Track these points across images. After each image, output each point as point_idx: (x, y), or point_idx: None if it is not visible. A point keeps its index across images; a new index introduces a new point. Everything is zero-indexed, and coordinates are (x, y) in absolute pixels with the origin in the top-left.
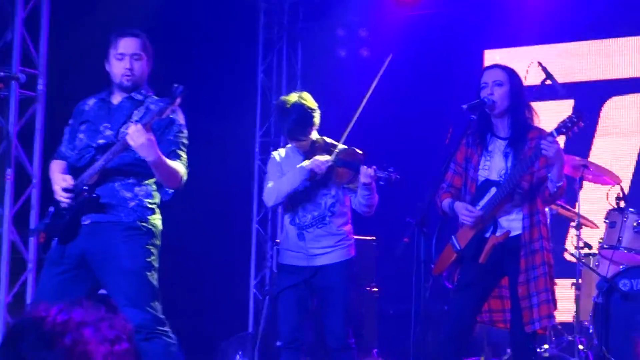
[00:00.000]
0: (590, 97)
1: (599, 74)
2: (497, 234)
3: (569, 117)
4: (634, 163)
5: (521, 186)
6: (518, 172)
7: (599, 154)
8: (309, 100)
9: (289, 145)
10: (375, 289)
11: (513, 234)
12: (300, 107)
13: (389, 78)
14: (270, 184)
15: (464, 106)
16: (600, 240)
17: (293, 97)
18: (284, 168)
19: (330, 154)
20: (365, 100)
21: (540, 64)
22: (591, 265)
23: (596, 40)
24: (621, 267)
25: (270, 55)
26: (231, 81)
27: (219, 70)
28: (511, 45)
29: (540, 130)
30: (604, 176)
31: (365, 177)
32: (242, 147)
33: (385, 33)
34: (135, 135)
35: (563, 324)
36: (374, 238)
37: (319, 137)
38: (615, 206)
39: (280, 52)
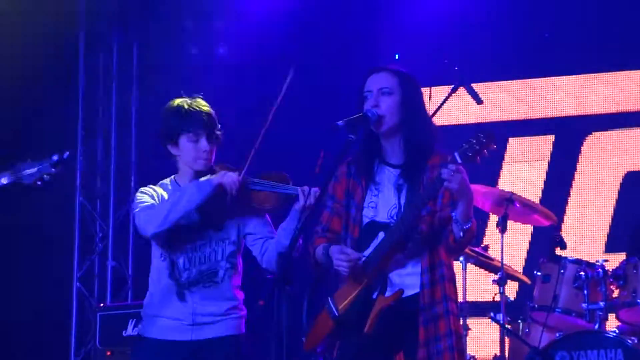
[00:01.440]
0: None
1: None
2: (387, 294)
3: (476, 137)
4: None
5: (419, 230)
6: (413, 211)
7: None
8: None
9: (166, 180)
10: None
11: (407, 293)
12: (203, 105)
13: (246, 82)
14: (146, 203)
15: (340, 122)
16: (531, 300)
17: (185, 99)
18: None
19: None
20: (268, 122)
21: (450, 64)
22: (519, 333)
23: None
24: (557, 334)
25: (95, 52)
26: (41, 88)
27: (28, 78)
28: None
29: (445, 156)
30: (534, 214)
31: (310, 198)
32: (58, 176)
33: (247, 23)
34: None
35: None
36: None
37: (217, 164)
38: (550, 254)
39: (109, 48)
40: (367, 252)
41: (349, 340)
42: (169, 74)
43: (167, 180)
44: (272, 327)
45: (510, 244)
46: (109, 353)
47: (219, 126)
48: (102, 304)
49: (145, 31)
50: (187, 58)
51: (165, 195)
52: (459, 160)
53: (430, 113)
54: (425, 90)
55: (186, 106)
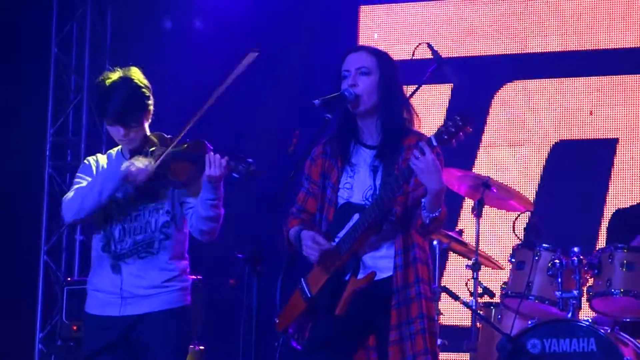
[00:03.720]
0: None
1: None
2: (359, 276)
3: (453, 120)
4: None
5: (393, 212)
6: (388, 192)
7: (505, 167)
8: (139, 77)
9: (113, 150)
10: (201, 348)
11: (381, 276)
12: (128, 83)
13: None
14: (71, 193)
15: (316, 101)
16: (504, 286)
17: (116, 74)
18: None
19: (166, 147)
20: (215, 97)
21: (429, 46)
22: (491, 320)
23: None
24: (530, 322)
25: (69, 23)
26: (13, 58)
27: None
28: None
29: (421, 136)
30: (510, 200)
31: (215, 168)
32: (27, 148)
33: None
34: None
35: None
36: (200, 278)
37: (152, 133)
38: (524, 240)
39: (83, 19)
40: (341, 234)
41: (320, 322)
42: (142, 45)
43: (113, 150)
44: (242, 307)
45: (486, 228)
46: (75, 328)
47: (149, 101)
48: (69, 278)
49: (119, 2)
50: (162, 31)
51: (103, 166)
52: (435, 143)
53: (408, 94)
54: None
55: (104, 86)
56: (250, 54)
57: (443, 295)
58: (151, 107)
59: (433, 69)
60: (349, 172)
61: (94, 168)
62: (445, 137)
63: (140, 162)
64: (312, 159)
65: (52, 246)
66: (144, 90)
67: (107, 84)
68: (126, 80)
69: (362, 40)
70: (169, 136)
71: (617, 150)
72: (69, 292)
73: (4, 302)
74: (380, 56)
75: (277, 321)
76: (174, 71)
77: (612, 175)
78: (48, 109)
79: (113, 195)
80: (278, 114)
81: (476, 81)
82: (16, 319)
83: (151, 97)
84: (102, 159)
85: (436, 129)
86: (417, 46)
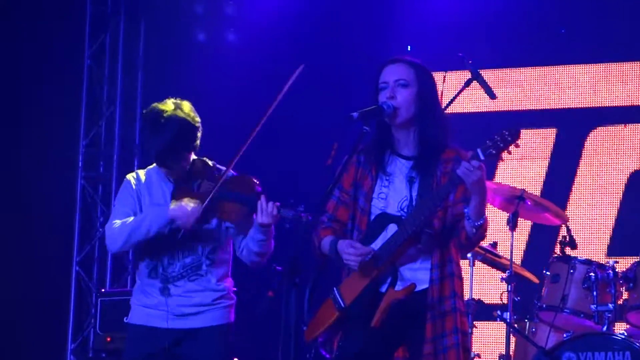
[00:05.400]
0: None
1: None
2: (397, 287)
3: (501, 134)
4: (583, 194)
5: (431, 225)
6: (428, 206)
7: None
8: (191, 113)
9: (153, 166)
10: None
11: (417, 288)
12: (180, 123)
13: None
14: (117, 223)
15: (354, 114)
16: (539, 299)
17: (169, 107)
18: (142, 198)
19: (214, 182)
20: (265, 117)
21: (464, 58)
22: (526, 333)
23: None
24: (565, 335)
25: (102, 35)
26: (46, 69)
27: (30, 53)
28: None
29: (459, 150)
30: (545, 213)
31: (265, 216)
32: (60, 160)
33: (258, 10)
34: None
35: None
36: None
37: (196, 158)
38: (560, 253)
39: (116, 31)
40: (375, 244)
41: (352, 332)
42: (175, 58)
43: (152, 167)
44: (280, 319)
45: (521, 240)
46: (109, 339)
47: (195, 137)
48: (103, 290)
49: (153, 14)
50: (195, 43)
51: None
52: (482, 157)
53: (443, 104)
54: (438, 76)
55: (155, 123)
56: (297, 70)
57: (478, 307)
58: (198, 142)
59: (468, 81)
60: (384, 181)
61: (134, 188)
62: (493, 151)
63: (188, 205)
64: (344, 168)
65: (84, 257)
66: (190, 130)
67: (158, 120)
68: (176, 121)
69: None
70: (212, 163)
71: None
72: (103, 303)
73: (36, 313)
74: (418, 68)
75: (306, 330)
76: (206, 84)
77: None
78: (81, 121)
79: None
80: (316, 127)
81: None
82: (48, 330)
83: (198, 134)
84: (142, 174)
85: (483, 143)
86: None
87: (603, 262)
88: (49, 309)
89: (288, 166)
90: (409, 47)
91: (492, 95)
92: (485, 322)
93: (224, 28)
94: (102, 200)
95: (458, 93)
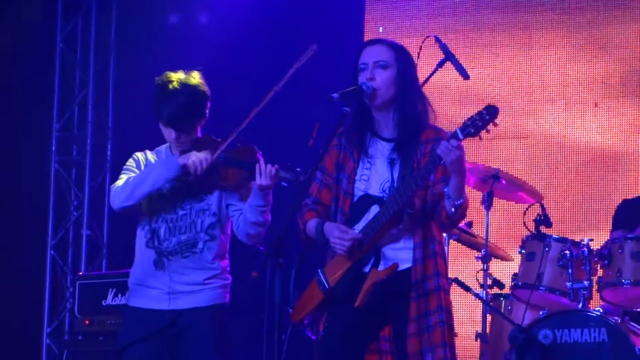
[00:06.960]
0: None
1: None
2: (380, 267)
3: (479, 114)
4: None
5: (412, 205)
6: (410, 186)
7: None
8: (201, 82)
9: (162, 147)
10: None
11: (400, 268)
12: (194, 88)
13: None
14: (122, 180)
15: (335, 95)
16: (515, 277)
17: (177, 76)
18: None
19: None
20: (270, 95)
21: (437, 38)
22: (502, 311)
23: None
24: (541, 312)
25: (74, 18)
26: (19, 54)
27: (1, 38)
28: None
29: (438, 130)
30: (519, 191)
31: (264, 178)
32: (33, 144)
33: None
34: None
35: None
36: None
37: (202, 136)
38: (535, 231)
39: (88, 14)
40: (358, 225)
41: (337, 313)
42: (148, 41)
43: (162, 147)
44: (264, 299)
45: (496, 219)
46: (87, 322)
47: (206, 108)
48: (80, 273)
49: None
50: (168, 26)
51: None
52: (461, 137)
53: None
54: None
55: (168, 87)
56: (309, 50)
57: (453, 286)
58: (206, 113)
59: (441, 62)
60: (365, 163)
61: (142, 163)
62: (472, 130)
63: (199, 154)
64: (326, 150)
65: (58, 241)
66: (202, 97)
67: (168, 88)
68: (186, 87)
69: (368, 34)
70: (219, 140)
71: None
72: (81, 286)
73: (11, 297)
74: (397, 49)
75: (292, 312)
76: (180, 67)
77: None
78: (54, 104)
79: (166, 185)
80: (296, 108)
81: None
82: (23, 314)
83: (208, 104)
84: (151, 155)
85: (462, 122)
86: (424, 39)
87: (577, 240)
88: (24, 294)
89: (270, 146)
90: (380, 28)
91: (466, 75)
92: (461, 301)
93: (197, 10)
94: (76, 184)
95: (431, 74)
